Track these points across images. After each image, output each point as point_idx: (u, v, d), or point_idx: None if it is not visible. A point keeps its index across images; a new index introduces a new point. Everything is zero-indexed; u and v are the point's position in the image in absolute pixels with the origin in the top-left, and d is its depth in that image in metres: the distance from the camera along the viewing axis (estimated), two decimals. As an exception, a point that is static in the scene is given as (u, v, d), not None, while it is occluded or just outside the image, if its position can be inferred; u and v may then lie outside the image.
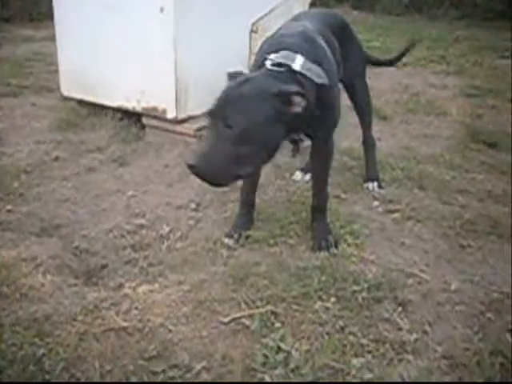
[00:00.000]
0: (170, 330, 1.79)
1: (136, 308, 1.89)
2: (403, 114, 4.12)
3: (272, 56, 1.98)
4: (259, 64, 2.04)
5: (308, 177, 2.88)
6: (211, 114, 1.88)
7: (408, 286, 2.04)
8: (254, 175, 1.87)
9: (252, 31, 3.74)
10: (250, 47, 3.74)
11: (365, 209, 2.62)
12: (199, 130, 3.36)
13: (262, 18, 3.78)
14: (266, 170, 2.93)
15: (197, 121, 3.42)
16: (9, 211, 2.60)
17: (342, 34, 2.54)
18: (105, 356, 1.67)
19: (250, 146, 1.82)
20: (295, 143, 2.25)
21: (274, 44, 2.08)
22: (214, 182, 1.89)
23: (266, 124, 1.84)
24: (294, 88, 1.86)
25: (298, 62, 1.94)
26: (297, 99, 1.84)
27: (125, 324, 1.81)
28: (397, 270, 2.13)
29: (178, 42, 3.23)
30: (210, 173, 1.82)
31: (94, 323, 1.81)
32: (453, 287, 2.05)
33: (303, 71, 1.93)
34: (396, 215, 2.55)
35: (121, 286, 2.09)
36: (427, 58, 5.99)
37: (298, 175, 2.94)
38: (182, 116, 3.38)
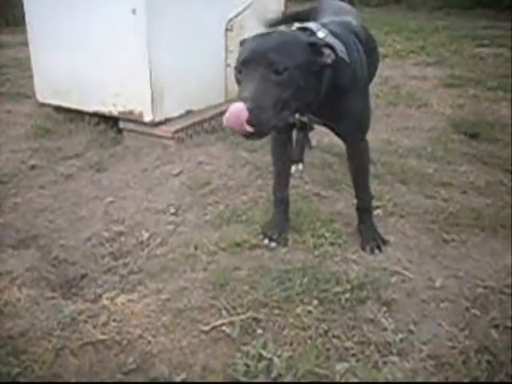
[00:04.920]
0: (149, 342, 1.74)
1: (114, 320, 1.84)
2: (384, 107, 4.08)
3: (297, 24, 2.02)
4: None
5: (301, 166, 2.94)
6: (248, 61, 1.78)
7: (392, 285, 2.00)
8: (285, 130, 1.84)
9: (227, 29, 3.69)
10: (226, 46, 3.69)
11: (346, 206, 2.57)
12: (177, 132, 3.32)
13: (237, 15, 3.74)
14: (246, 170, 2.89)
15: (174, 123, 3.39)
16: (-16, 224, 2.54)
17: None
18: (82, 371, 1.63)
19: (293, 91, 1.77)
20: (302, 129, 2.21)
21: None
22: (265, 129, 1.73)
23: (306, 70, 1.81)
24: (325, 41, 1.87)
25: (322, 33, 1.95)
26: (327, 51, 1.83)
27: (103, 337, 1.76)
28: (380, 269, 2.09)
29: (152, 44, 3.17)
30: (264, 119, 1.69)
31: (71, 337, 1.76)
32: (437, 284, 2.02)
33: (326, 39, 1.91)
34: (378, 211, 2.51)
35: (99, 296, 2.03)
36: (407, 49, 5.97)
37: None
38: (159, 119, 3.33)
